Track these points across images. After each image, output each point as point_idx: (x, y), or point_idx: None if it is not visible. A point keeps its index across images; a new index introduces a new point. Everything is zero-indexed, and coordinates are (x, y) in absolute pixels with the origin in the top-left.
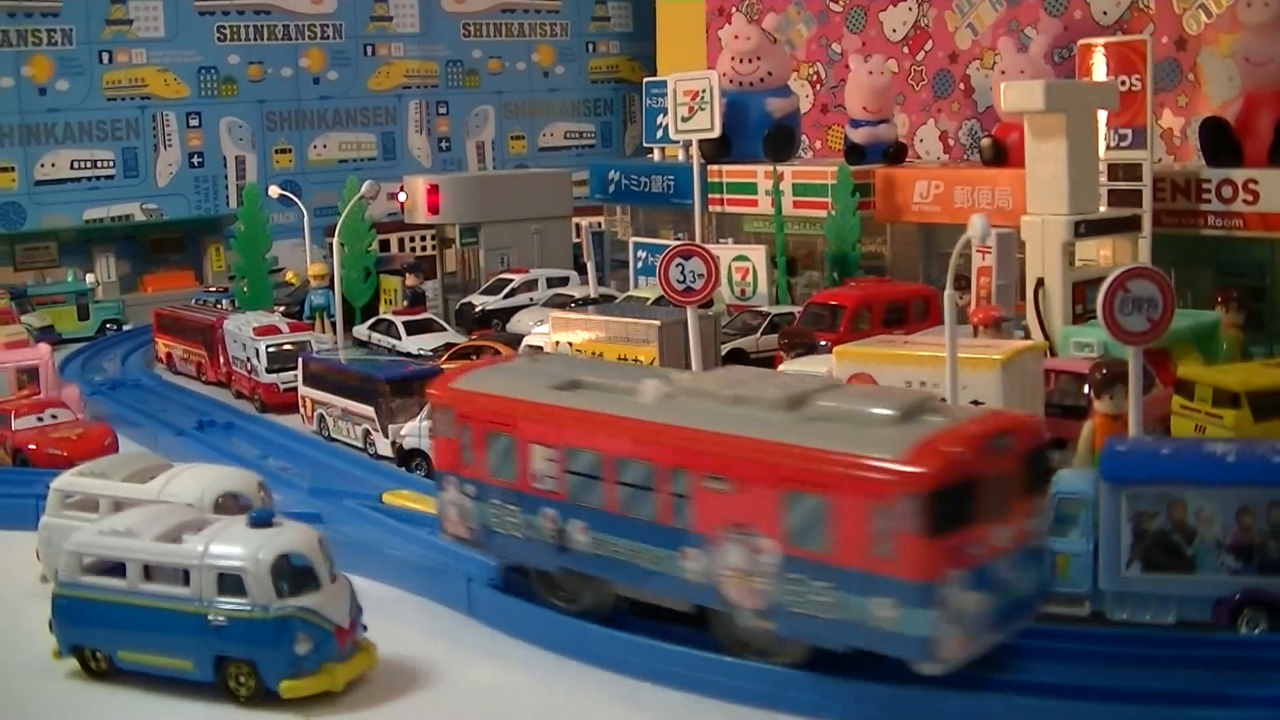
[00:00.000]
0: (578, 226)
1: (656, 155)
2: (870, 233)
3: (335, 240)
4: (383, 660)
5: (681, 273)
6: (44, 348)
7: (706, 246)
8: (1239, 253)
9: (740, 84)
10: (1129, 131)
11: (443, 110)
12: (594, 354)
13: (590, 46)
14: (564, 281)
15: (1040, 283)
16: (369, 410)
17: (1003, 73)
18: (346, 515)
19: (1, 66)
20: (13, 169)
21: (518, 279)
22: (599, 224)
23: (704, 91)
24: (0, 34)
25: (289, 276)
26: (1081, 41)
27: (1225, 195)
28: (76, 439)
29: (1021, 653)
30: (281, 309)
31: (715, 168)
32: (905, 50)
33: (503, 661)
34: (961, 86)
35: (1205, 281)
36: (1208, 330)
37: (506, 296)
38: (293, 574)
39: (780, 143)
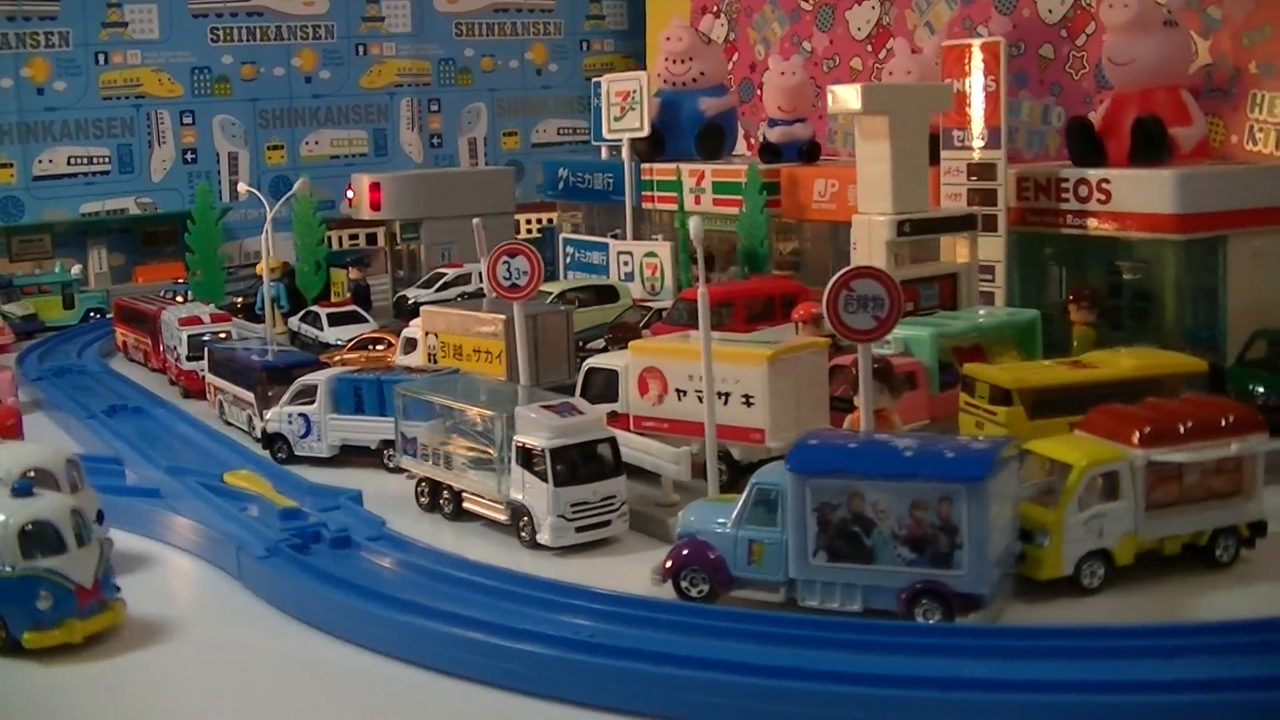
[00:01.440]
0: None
1: (604, 153)
2: (790, 231)
3: (265, 239)
4: (146, 616)
5: (508, 270)
6: None
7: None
8: (1121, 253)
9: (674, 84)
10: (987, 132)
11: (435, 108)
12: (455, 346)
13: (584, 45)
14: None
15: None
16: (251, 396)
17: (890, 73)
18: (182, 491)
19: (1, 68)
20: (12, 165)
21: (451, 273)
22: (550, 220)
23: (634, 91)
24: (0, 37)
25: (259, 269)
26: (944, 43)
27: (1081, 194)
28: None
29: (722, 634)
30: (240, 300)
31: (649, 166)
32: (869, 49)
33: (251, 625)
34: None
35: (1096, 279)
36: (1026, 327)
37: (439, 290)
38: (40, 539)
39: (712, 141)
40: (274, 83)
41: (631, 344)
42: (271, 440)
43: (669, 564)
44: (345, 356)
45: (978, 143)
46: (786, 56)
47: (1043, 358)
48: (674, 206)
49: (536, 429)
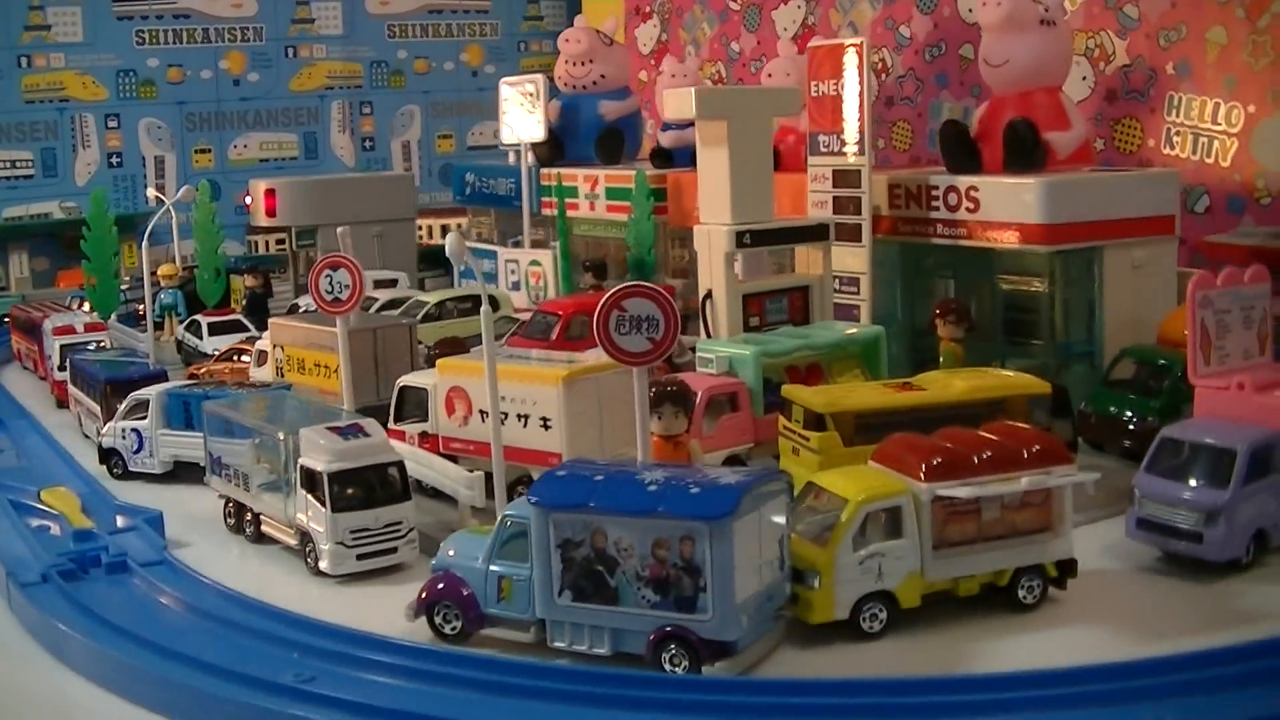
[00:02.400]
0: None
1: (512, 158)
2: (685, 238)
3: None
4: None
5: (330, 283)
6: None
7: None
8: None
9: (574, 87)
10: (845, 136)
11: (367, 110)
12: (299, 360)
13: (522, 46)
14: (392, 284)
15: (709, 294)
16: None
17: (769, 75)
18: None
19: None
20: None
21: None
22: (459, 226)
23: (531, 94)
24: None
25: (159, 275)
26: (811, 44)
27: (951, 203)
28: None
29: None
30: (140, 308)
31: (549, 171)
32: (794, 49)
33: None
34: None
35: (976, 292)
36: (870, 344)
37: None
38: None
39: (611, 146)
40: (201, 85)
41: (439, 362)
42: (108, 455)
43: (421, 598)
44: (211, 368)
45: (851, 148)
46: (681, 58)
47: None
48: (574, 213)
49: (318, 451)
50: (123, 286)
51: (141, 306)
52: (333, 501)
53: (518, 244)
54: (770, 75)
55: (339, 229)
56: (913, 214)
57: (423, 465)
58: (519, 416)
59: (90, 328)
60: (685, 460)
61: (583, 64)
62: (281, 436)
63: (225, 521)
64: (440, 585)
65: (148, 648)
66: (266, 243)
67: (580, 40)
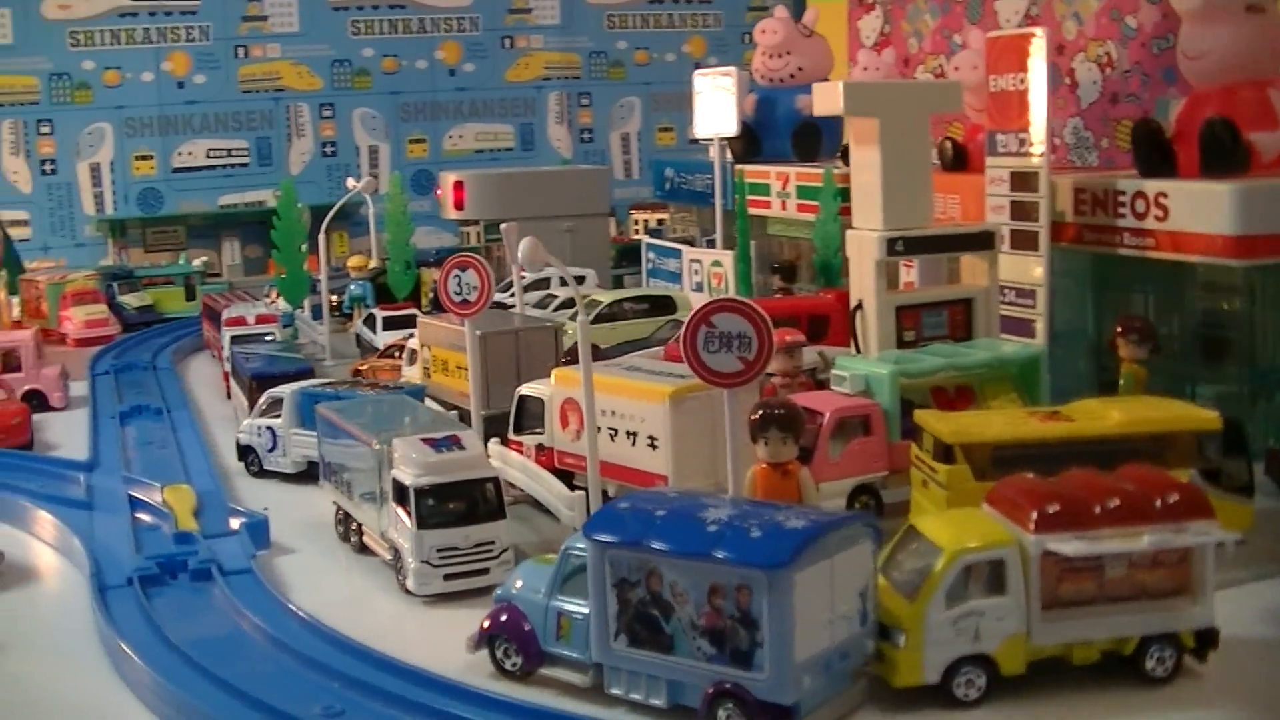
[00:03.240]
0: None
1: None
2: None
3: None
4: None
5: (459, 284)
6: (28, 332)
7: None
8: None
9: (771, 80)
10: (1025, 136)
11: (585, 102)
12: (443, 361)
13: (746, 37)
14: (580, 281)
15: (859, 305)
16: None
17: (956, 69)
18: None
19: (142, 62)
20: (151, 157)
21: (529, 275)
22: (659, 222)
23: (724, 89)
24: (141, 31)
25: (351, 267)
26: (990, 35)
27: (1139, 210)
28: None
29: None
30: (334, 298)
31: (742, 168)
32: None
33: (63, 658)
34: (1067, 81)
35: (1178, 308)
36: (1028, 364)
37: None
38: None
39: (808, 141)
40: (416, 76)
41: (555, 371)
42: (244, 453)
43: (482, 630)
44: (375, 364)
45: (1038, 148)
46: (903, 51)
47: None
48: (767, 211)
49: (408, 463)
50: (317, 276)
51: (334, 297)
52: (419, 517)
53: (711, 243)
54: (958, 68)
55: (504, 225)
56: (1098, 221)
57: (532, 479)
58: (628, 434)
59: (262, 319)
60: (794, 492)
61: (780, 56)
62: (375, 445)
63: (336, 529)
64: (502, 618)
65: (185, 665)
66: (478, 234)
67: (777, 31)
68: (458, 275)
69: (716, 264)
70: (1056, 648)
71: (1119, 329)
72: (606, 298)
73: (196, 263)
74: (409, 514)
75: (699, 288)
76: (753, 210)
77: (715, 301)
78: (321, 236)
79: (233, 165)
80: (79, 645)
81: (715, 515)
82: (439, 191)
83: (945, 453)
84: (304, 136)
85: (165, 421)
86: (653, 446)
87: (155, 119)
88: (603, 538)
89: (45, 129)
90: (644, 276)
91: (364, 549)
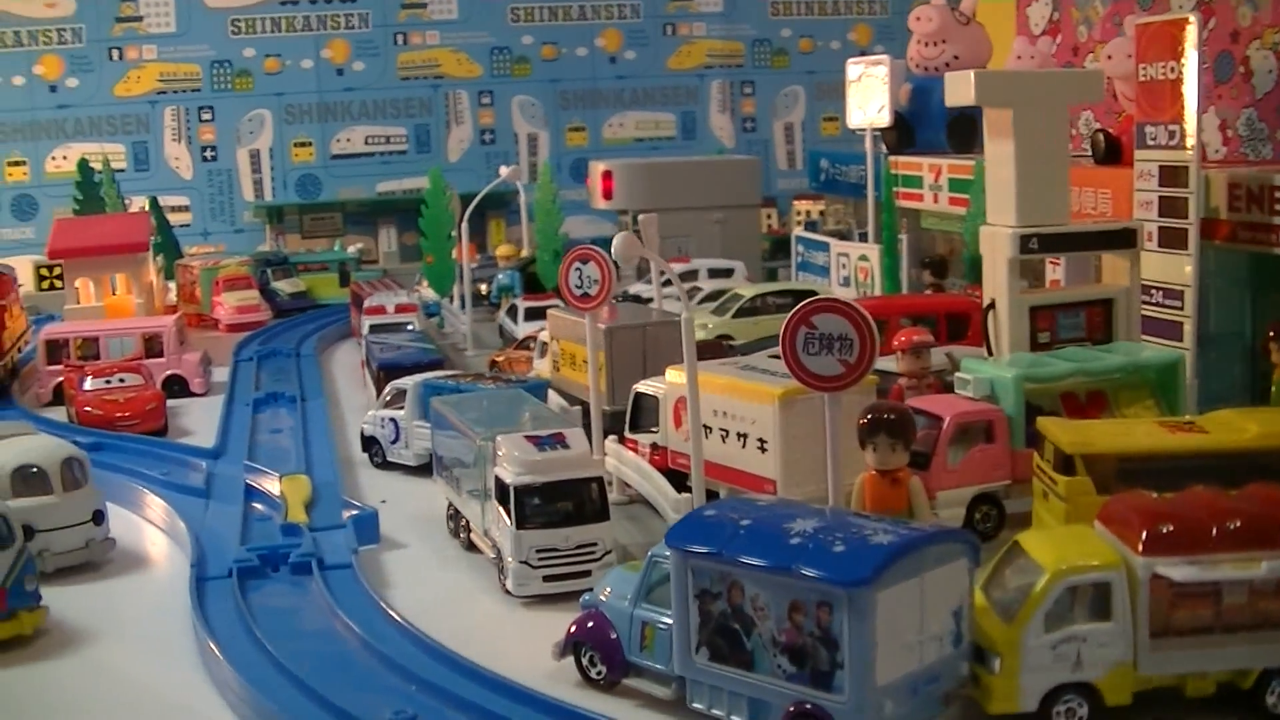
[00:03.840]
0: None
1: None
2: None
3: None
4: (74, 625)
5: (579, 277)
6: (171, 317)
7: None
8: None
9: (926, 69)
10: (1176, 128)
11: (748, 90)
12: (570, 355)
13: None
14: (728, 273)
15: (991, 304)
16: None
17: (1109, 57)
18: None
19: (301, 50)
20: (311, 144)
21: (676, 268)
22: (811, 214)
23: (876, 78)
24: (301, 19)
25: (499, 255)
26: (1138, 20)
27: None
28: (123, 402)
29: None
30: (484, 287)
31: (895, 159)
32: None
33: (157, 648)
34: (1241, 70)
35: None
36: (1167, 370)
37: (663, 285)
38: None
39: (964, 133)
40: (576, 63)
41: (669, 369)
42: (369, 444)
43: (569, 634)
44: (511, 355)
45: (1190, 140)
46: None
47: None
48: (919, 204)
49: (510, 461)
50: (474, 265)
51: (483, 286)
52: (519, 517)
53: (865, 236)
54: (1110, 57)
55: (641, 216)
56: (1254, 218)
57: (644, 479)
58: (738, 435)
59: (401, 309)
60: (902, 502)
61: (935, 44)
62: (478, 441)
63: (447, 524)
64: (589, 625)
65: (265, 661)
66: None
67: (932, 19)
68: (578, 268)
69: (863, 258)
70: (1167, 679)
71: (1271, 333)
72: (749, 291)
73: (351, 249)
74: (509, 513)
75: (846, 282)
76: (905, 203)
77: (815, 301)
78: (464, 225)
79: (391, 152)
80: (172, 636)
81: (800, 527)
82: (590, 181)
83: (1065, 463)
84: (462, 124)
85: (297, 410)
86: (762, 449)
87: (314, 106)
88: (685, 546)
89: (206, 116)
90: (793, 270)
91: (472, 546)
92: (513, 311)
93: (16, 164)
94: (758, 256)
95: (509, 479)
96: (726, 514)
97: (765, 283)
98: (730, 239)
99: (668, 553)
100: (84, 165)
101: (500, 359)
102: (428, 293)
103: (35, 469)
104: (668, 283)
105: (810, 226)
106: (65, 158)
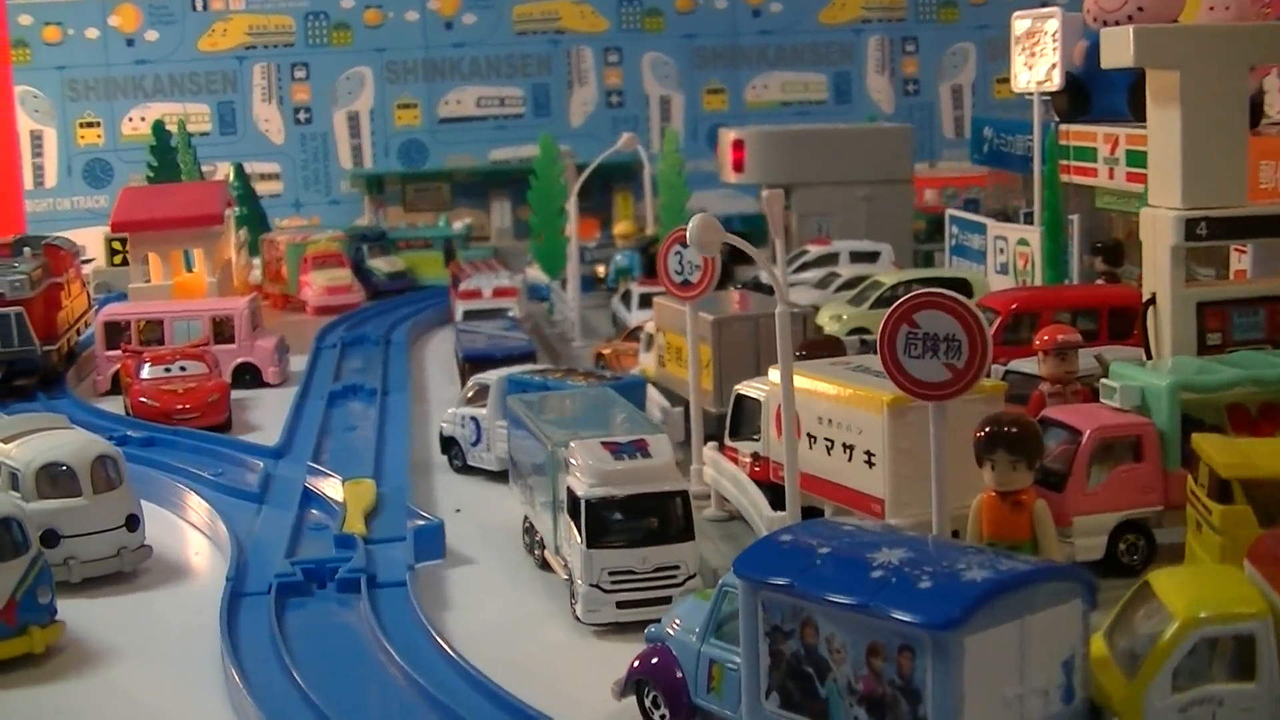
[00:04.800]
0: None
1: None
2: None
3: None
4: (96, 640)
5: (679, 263)
6: (243, 299)
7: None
8: None
9: (1106, 22)
10: None
11: (910, 48)
12: (676, 349)
13: None
14: (872, 257)
15: (1151, 299)
16: None
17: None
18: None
19: (405, 0)
20: (416, 106)
21: (814, 251)
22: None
23: (1046, 33)
24: None
25: (618, 234)
26: None
27: None
28: (182, 393)
29: None
30: (601, 269)
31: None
32: None
33: (180, 668)
34: None
35: None
36: None
37: (797, 270)
38: None
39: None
40: (715, 17)
41: (773, 368)
42: (448, 445)
43: (632, 670)
44: (618, 347)
45: None
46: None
47: None
48: (1093, 180)
49: (583, 471)
50: (591, 245)
51: (602, 268)
52: (590, 534)
53: (1029, 217)
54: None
55: (766, 192)
56: None
57: (740, 493)
58: (844, 447)
59: (500, 293)
60: (1025, 528)
61: None
62: (549, 447)
63: (522, 539)
64: (653, 661)
65: (290, 691)
66: None
67: None
68: (679, 251)
69: (1022, 242)
70: None
71: None
72: (890, 279)
73: (458, 225)
74: (579, 529)
75: (1003, 269)
76: (1076, 179)
77: (919, 295)
78: (572, 200)
79: (505, 116)
80: (199, 658)
81: (885, 558)
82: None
83: (1221, 489)
84: (586, 85)
85: (376, 405)
86: (870, 463)
87: (420, 63)
88: (755, 576)
89: (300, 74)
90: (946, 254)
91: (546, 565)
92: (626, 297)
93: (90, 125)
94: (908, 238)
95: (580, 490)
96: (804, 539)
97: (911, 269)
98: (878, 218)
99: (733, 584)
100: (159, 128)
101: (607, 351)
102: (537, 274)
103: (64, 467)
104: (804, 267)
105: (970, 204)
106: (143, 119)
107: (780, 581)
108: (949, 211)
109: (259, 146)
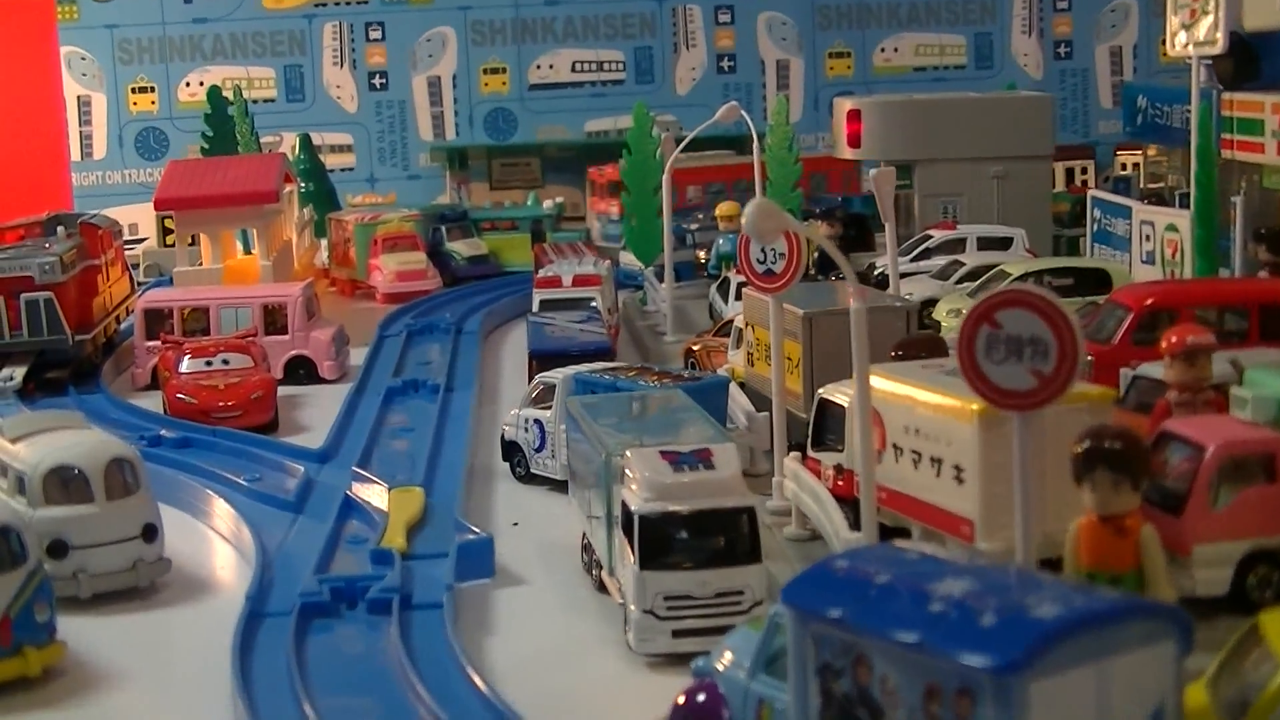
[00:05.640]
0: None
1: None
2: None
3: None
4: (100, 661)
5: (762, 249)
6: (298, 285)
7: None
8: None
9: None
10: None
11: (1062, 5)
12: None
13: None
14: (1003, 244)
15: None
16: None
17: None
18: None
19: None
20: (504, 71)
21: (938, 236)
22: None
23: None
24: None
25: (719, 215)
26: None
27: None
28: (224, 389)
29: None
30: (702, 254)
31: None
32: None
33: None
34: None
35: None
36: None
37: (916, 258)
38: None
39: None
40: None
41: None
42: (510, 450)
43: (675, 708)
44: (708, 343)
45: None
46: None
47: None
48: (1259, 156)
49: (639, 484)
50: (691, 226)
51: (703, 253)
52: (644, 554)
53: (1186, 199)
54: None
55: (875, 171)
56: None
57: (819, 510)
58: (932, 461)
59: (581, 280)
60: (1130, 557)
61: None
62: (603, 455)
63: (581, 557)
64: (699, 699)
65: None
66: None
67: None
68: None
69: (1171, 228)
70: None
71: None
72: (1018, 269)
73: (548, 204)
74: (633, 548)
75: (1149, 258)
76: (1240, 155)
77: (1003, 293)
78: (666, 177)
79: (603, 82)
80: (212, 684)
81: (948, 589)
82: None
83: None
84: (695, 48)
85: (437, 403)
86: (959, 480)
87: (508, 24)
88: (805, 606)
89: (375, 34)
90: (1087, 241)
91: (603, 587)
92: (724, 286)
93: (143, 90)
94: (1047, 222)
95: (634, 504)
96: (862, 566)
97: (1045, 258)
98: (1012, 200)
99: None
100: (215, 94)
101: (697, 347)
102: (630, 260)
103: (75, 471)
104: (925, 254)
105: (1120, 185)
106: (202, 84)
107: (832, 614)
108: (1091, 192)
109: (329, 115)
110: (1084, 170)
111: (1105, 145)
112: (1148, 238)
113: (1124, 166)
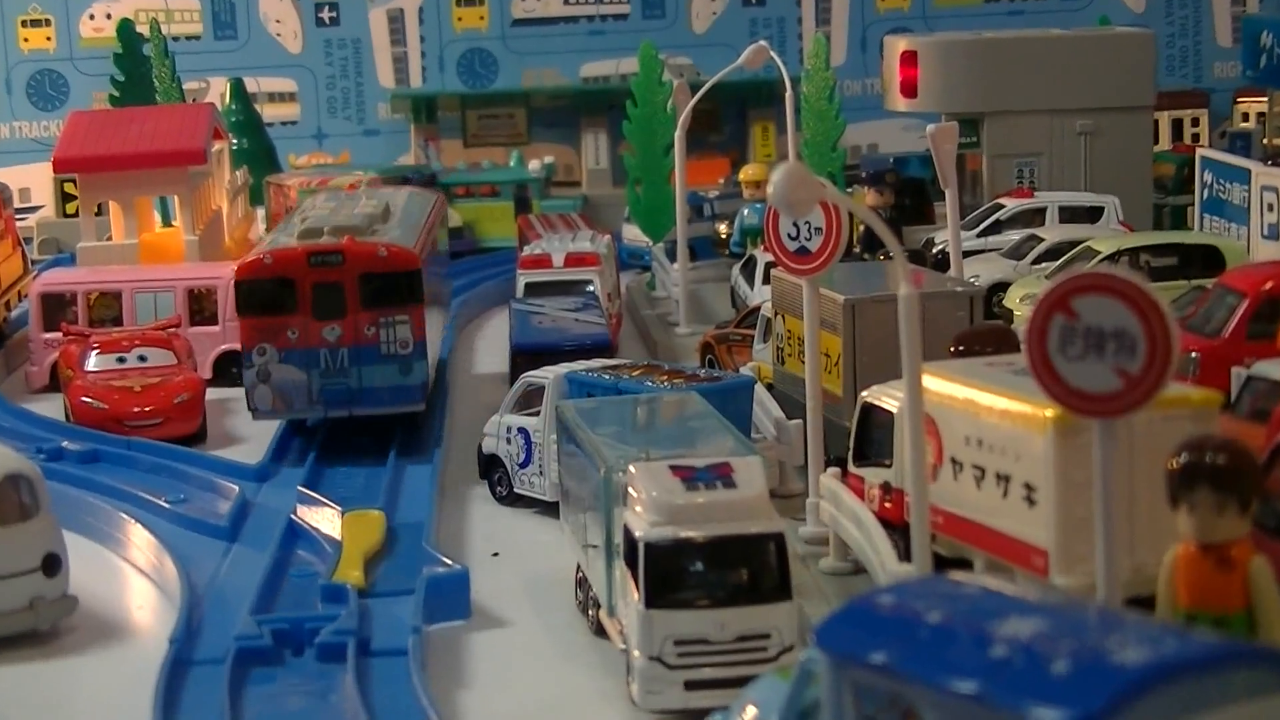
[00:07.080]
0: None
1: None
2: None
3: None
4: None
5: (794, 224)
6: (229, 266)
7: None
8: None
9: None
10: None
11: None
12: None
13: None
14: (1092, 215)
15: None
16: None
17: None
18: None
19: None
20: (483, 2)
21: (1011, 206)
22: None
23: None
24: None
25: (745, 175)
26: None
27: None
28: (140, 391)
29: None
30: (723, 228)
31: None
32: None
33: None
34: None
35: None
36: None
37: (985, 233)
38: None
39: None
40: None
41: (927, 365)
42: (489, 466)
43: None
44: (731, 334)
45: None
46: None
47: None
48: None
49: (645, 505)
50: (710, 194)
51: (724, 227)
52: (650, 590)
53: None
54: None
55: (933, 127)
56: None
57: (862, 535)
58: (998, 478)
59: (574, 260)
60: (1238, 593)
61: None
62: (602, 471)
63: (575, 594)
64: None
65: None
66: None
67: None
68: None
69: None
70: None
71: None
72: (1107, 246)
73: (535, 165)
74: (637, 583)
75: (1272, 233)
76: None
77: (1079, 276)
78: (679, 134)
79: (603, 17)
80: None
81: (1014, 630)
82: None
83: None
84: None
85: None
86: (1029, 501)
87: None
88: (843, 651)
89: None
90: (1196, 211)
91: (602, 629)
92: (749, 266)
93: (36, 24)
94: (1147, 188)
95: (639, 531)
96: (911, 603)
97: (1143, 233)
98: (1103, 161)
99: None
100: (127, 30)
101: (717, 341)
102: (636, 235)
103: None
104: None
105: (1239, 142)
106: (109, 16)
107: (875, 659)
108: (1201, 151)
109: (267, 56)
110: (1194, 123)
111: (1221, 92)
112: (1270, 207)
113: (1244, 118)
